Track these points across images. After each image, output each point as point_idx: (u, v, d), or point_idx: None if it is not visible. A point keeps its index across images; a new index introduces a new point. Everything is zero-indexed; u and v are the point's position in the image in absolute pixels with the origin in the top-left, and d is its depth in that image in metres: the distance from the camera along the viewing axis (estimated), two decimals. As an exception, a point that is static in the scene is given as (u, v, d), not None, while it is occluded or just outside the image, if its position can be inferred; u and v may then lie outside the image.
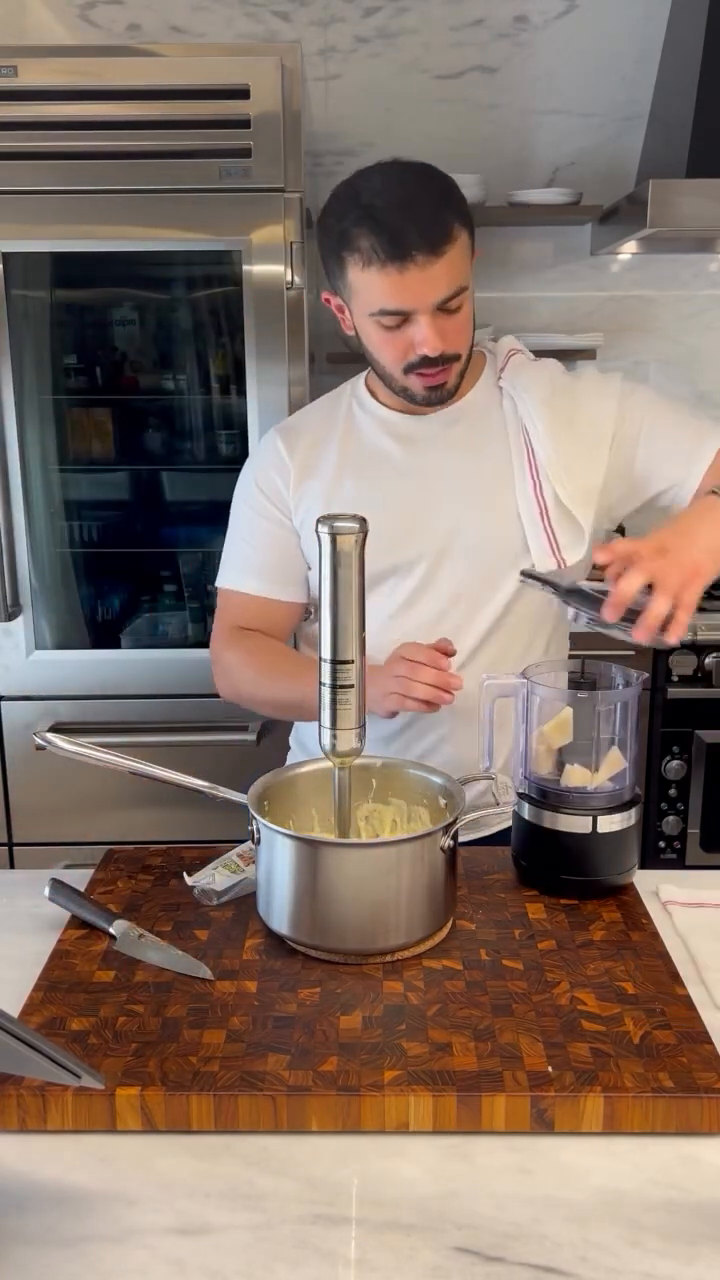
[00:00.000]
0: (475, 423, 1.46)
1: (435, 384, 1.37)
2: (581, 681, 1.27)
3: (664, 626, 1.14)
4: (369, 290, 1.30)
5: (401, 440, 1.47)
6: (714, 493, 1.26)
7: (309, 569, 1.51)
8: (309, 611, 1.56)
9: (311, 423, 1.53)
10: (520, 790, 1.27)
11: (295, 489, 1.48)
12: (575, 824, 1.22)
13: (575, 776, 1.24)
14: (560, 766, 1.26)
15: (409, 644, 1.34)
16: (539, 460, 1.42)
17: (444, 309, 1.31)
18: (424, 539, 1.44)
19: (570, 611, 1.26)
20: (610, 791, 1.24)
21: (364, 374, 1.53)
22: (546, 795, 1.24)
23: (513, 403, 1.46)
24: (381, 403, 1.48)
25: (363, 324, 1.36)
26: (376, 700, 1.30)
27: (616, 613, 1.14)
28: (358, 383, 1.53)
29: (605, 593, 1.15)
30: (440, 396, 1.40)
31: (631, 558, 1.15)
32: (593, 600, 1.18)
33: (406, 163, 1.33)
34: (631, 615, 1.15)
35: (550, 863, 1.24)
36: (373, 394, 1.50)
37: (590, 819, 1.21)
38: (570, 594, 1.22)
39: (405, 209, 1.26)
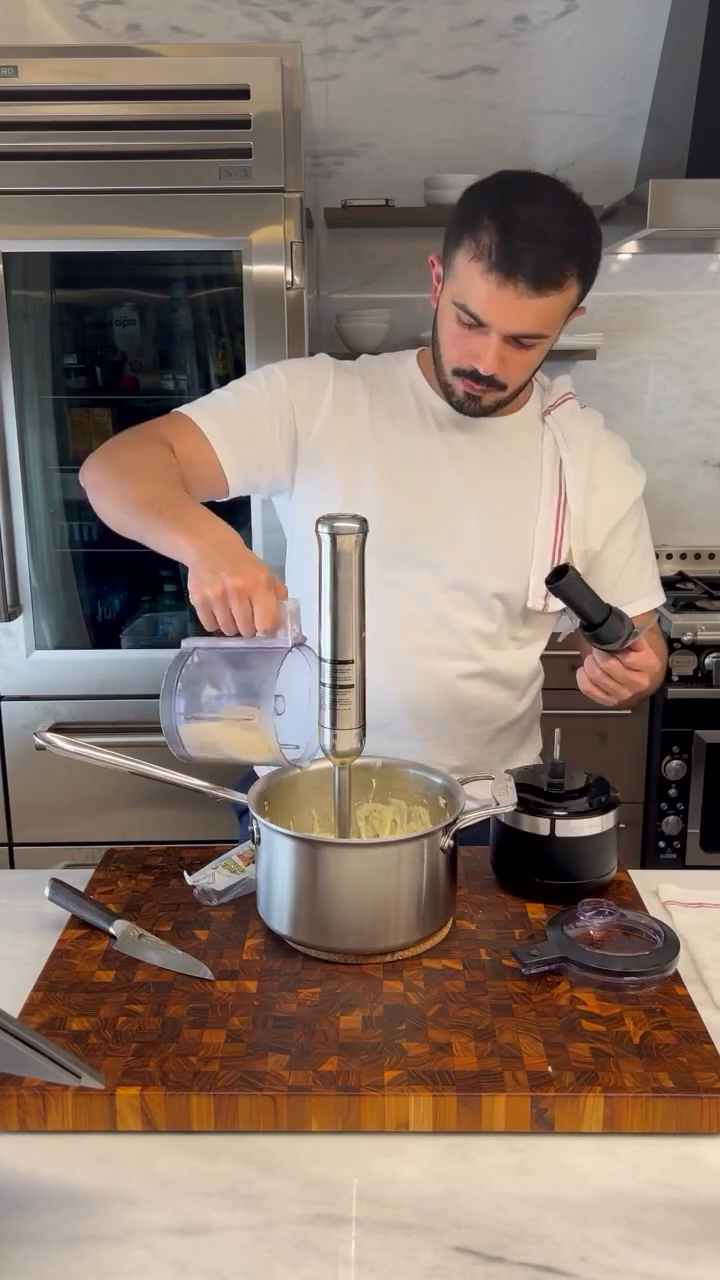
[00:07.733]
0: (514, 443, 1.48)
1: (474, 394, 1.38)
2: None
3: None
4: (464, 281, 1.31)
5: (442, 429, 1.46)
6: None
7: (260, 474, 1.45)
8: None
9: (366, 373, 1.51)
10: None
11: (315, 418, 1.45)
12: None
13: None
14: None
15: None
16: (570, 510, 1.45)
17: (517, 341, 1.32)
18: (433, 532, 1.44)
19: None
20: None
21: (415, 353, 1.52)
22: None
23: (554, 441, 1.48)
24: (433, 389, 1.48)
25: (444, 306, 1.37)
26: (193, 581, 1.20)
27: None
28: (408, 358, 1.52)
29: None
30: (472, 409, 1.40)
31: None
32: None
33: (567, 192, 1.31)
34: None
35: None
36: (424, 376, 1.50)
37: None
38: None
39: (536, 236, 1.25)
